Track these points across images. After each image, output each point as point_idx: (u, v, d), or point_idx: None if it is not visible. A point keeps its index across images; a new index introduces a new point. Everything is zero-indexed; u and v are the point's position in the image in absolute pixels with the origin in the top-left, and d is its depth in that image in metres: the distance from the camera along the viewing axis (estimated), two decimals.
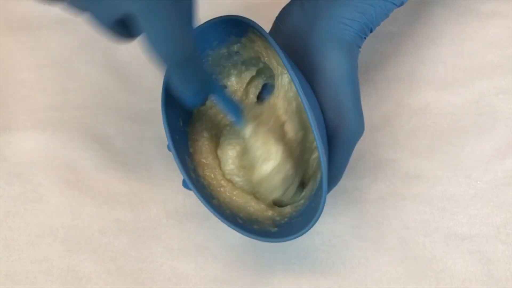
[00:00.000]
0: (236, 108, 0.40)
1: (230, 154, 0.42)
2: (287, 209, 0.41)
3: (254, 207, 0.42)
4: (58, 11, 0.51)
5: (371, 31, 0.41)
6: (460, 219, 0.44)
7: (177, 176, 0.46)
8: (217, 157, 0.43)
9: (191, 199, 0.45)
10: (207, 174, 0.42)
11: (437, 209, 0.44)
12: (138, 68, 0.49)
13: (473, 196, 0.44)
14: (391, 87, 0.48)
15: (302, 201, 0.41)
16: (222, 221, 0.39)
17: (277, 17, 0.43)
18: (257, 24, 0.38)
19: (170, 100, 0.40)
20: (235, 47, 0.42)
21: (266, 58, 0.42)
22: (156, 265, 0.44)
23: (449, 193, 0.44)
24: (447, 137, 0.46)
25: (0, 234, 0.44)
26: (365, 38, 0.41)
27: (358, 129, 0.39)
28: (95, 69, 0.49)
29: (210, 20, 0.40)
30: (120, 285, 0.43)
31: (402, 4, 0.41)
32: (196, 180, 0.41)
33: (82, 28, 0.50)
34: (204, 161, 0.43)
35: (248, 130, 0.40)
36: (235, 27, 0.40)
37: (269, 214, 0.41)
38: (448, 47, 0.48)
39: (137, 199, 0.46)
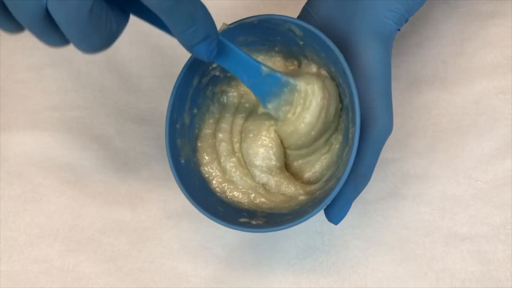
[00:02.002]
0: (252, 61, 0.37)
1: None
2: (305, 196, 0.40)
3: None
4: None
5: (406, 21, 0.40)
6: (460, 219, 0.44)
7: None
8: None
9: None
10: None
11: (437, 209, 0.44)
12: (138, 68, 0.49)
13: (473, 196, 0.44)
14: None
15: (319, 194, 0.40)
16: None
17: (307, 4, 0.41)
18: (298, 20, 0.37)
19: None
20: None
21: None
22: (156, 265, 0.44)
23: (449, 193, 0.44)
24: (447, 137, 0.46)
25: (0, 234, 0.44)
26: (399, 30, 0.40)
27: (388, 127, 0.38)
28: (95, 69, 0.49)
29: (239, 20, 0.39)
30: (120, 285, 0.43)
31: None
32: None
33: None
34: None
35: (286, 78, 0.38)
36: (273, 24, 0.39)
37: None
38: (448, 47, 0.48)
39: (137, 199, 0.46)
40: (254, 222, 0.39)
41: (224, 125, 0.43)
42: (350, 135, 0.38)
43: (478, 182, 0.44)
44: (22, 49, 0.50)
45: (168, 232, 0.45)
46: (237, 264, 0.44)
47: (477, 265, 0.42)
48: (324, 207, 0.38)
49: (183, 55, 0.49)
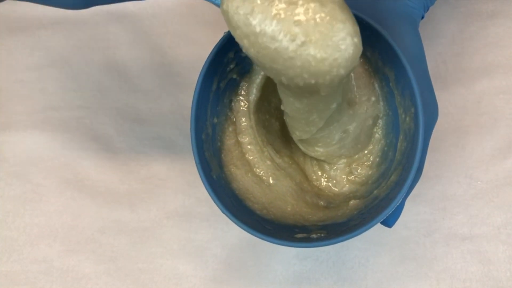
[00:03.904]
0: None
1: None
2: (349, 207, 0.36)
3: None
4: (58, 11, 0.51)
5: (427, 10, 0.39)
6: (460, 219, 0.44)
7: (177, 176, 0.46)
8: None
9: (191, 199, 0.45)
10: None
11: (437, 209, 0.44)
12: (138, 68, 0.49)
13: (473, 196, 0.44)
14: None
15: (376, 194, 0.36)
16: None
17: None
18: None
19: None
20: None
21: None
22: (156, 265, 0.44)
23: (449, 193, 0.44)
24: (447, 137, 0.46)
25: (0, 234, 0.44)
26: (423, 17, 0.39)
27: (435, 112, 0.36)
28: (95, 69, 0.49)
29: None
30: (120, 285, 0.43)
31: None
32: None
33: (82, 28, 0.50)
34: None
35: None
36: None
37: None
38: (448, 47, 0.48)
39: (137, 199, 0.46)
40: (315, 236, 0.34)
41: (245, 125, 0.39)
42: (407, 126, 0.35)
43: (479, 182, 0.44)
44: (22, 49, 0.50)
45: (168, 232, 0.45)
46: (237, 264, 0.44)
47: (478, 265, 0.42)
48: (393, 209, 0.33)
49: (183, 55, 0.49)
